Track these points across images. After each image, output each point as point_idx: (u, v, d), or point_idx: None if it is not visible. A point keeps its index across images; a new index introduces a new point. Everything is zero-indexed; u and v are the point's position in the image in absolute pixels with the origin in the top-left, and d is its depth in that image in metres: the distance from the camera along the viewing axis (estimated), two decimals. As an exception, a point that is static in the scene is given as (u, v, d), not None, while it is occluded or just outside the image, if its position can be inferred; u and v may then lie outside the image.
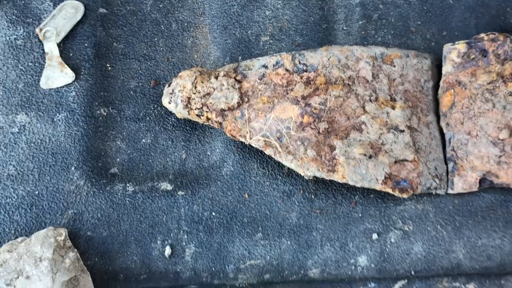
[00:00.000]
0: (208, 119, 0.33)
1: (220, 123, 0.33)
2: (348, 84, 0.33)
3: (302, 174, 0.32)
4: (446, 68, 0.33)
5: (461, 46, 0.33)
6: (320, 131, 0.32)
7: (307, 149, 0.32)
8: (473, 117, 0.31)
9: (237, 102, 0.33)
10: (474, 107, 0.31)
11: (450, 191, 0.33)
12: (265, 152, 0.32)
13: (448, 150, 0.33)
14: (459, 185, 0.32)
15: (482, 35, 0.33)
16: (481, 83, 0.31)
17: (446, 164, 0.33)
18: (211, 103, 0.33)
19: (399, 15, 0.39)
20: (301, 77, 0.33)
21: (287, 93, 0.33)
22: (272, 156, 0.32)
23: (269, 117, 0.33)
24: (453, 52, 0.33)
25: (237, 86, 0.33)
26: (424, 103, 0.35)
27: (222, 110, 0.33)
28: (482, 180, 0.31)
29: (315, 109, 0.32)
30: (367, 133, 0.32)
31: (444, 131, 0.33)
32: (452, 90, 0.32)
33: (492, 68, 0.31)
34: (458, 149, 0.32)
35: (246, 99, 0.33)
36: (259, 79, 0.33)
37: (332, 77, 0.33)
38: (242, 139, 0.33)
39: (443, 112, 0.34)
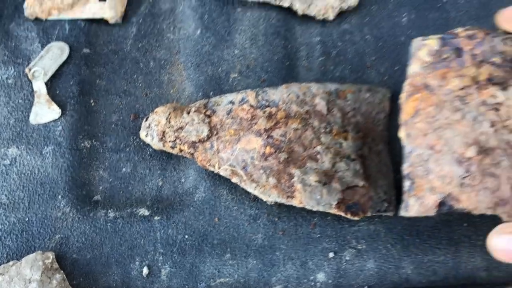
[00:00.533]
0: (181, 150, 0.37)
1: (192, 154, 0.37)
2: (306, 118, 0.37)
3: (265, 200, 0.36)
4: (413, 67, 0.28)
5: (432, 42, 0.28)
6: (281, 161, 0.36)
7: (269, 177, 0.35)
8: (438, 128, 0.27)
9: (207, 135, 0.37)
10: (441, 117, 0.26)
11: (405, 214, 0.30)
12: (232, 180, 0.36)
13: (405, 166, 0.30)
14: (415, 208, 0.29)
15: (459, 29, 0.28)
16: (452, 89, 0.26)
17: (401, 185, 0.33)
18: (183, 136, 0.37)
19: (356, 51, 0.43)
20: (264, 112, 0.37)
21: (252, 126, 0.37)
22: (238, 183, 0.36)
23: (235, 148, 0.36)
24: (423, 49, 0.28)
25: (207, 120, 0.37)
26: (375, 133, 0.39)
27: (194, 142, 0.37)
28: (441, 204, 0.27)
29: (276, 140, 0.36)
30: (322, 162, 0.36)
31: (404, 143, 0.31)
32: (418, 94, 0.28)
33: (466, 71, 0.26)
34: (417, 166, 0.28)
35: (215, 132, 0.37)
36: (226, 114, 0.37)
37: (291, 111, 0.37)
38: (212, 169, 0.36)
39: (405, 120, 0.31)
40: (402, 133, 0.31)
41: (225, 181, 0.39)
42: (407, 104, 0.29)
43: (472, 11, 0.43)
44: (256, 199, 0.38)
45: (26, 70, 0.42)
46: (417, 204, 0.29)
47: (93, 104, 0.42)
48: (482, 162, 0.25)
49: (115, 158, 0.41)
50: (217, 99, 0.38)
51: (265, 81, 0.42)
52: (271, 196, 0.35)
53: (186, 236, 0.38)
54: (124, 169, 0.41)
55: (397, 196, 0.37)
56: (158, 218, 0.38)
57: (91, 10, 0.43)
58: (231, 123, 0.37)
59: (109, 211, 0.39)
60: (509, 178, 0.25)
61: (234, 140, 0.36)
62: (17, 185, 0.39)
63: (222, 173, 0.36)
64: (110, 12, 0.43)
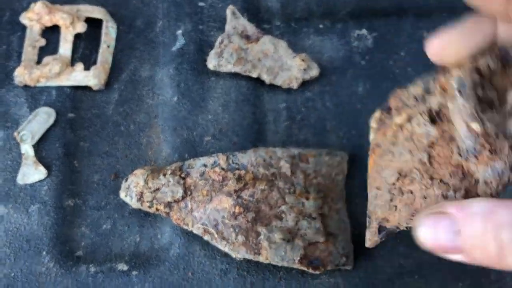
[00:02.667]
0: (157, 209, 0.40)
1: (168, 213, 0.40)
2: (272, 179, 0.41)
3: (234, 256, 0.39)
4: (370, 136, 0.33)
5: (377, 113, 0.33)
6: (249, 220, 0.39)
7: (238, 235, 0.39)
8: (381, 171, 0.31)
9: (182, 196, 0.40)
10: (382, 162, 0.31)
11: (367, 246, 0.33)
12: (204, 238, 0.40)
13: (368, 208, 0.34)
14: (367, 238, 0.32)
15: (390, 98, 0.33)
16: (388, 139, 0.31)
17: (358, 241, 0.40)
18: (160, 196, 0.40)
19: (318, 117, 0.47)
20: (234, 174, 0.41)
21: (223, 187, 0.40)
22: (209, 241, 0.39)
23: (208, 207, 0.40)
24: (372, 120, 0.33)
25: (181, 182, 0.41)
26: (334, 193, 0.43)
27: (169, 202, 0.40)
28: (379, 228, 0.31)
29: (245, 200, 0.40)
30: (286, 220, 0.40)
31: (368, 191, 0.35)
32: (373, 153, 0.32)
33: (393, 121, 0.31)
34: (370, 205, 0.33)
35: (189, 193, 0.41)
36: (200, 175, 0.41)
37: (259, 173, 0.41)
38: (186, 227, 0.40)
39: (368, 174, 0.35)
40: (368, 186, 0.34)
41: (199, 237, 0.42)
42: (369, 162, 0.34)
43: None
44: (227, 254, 0.42)
45: (15, 133, 0.45)
46: (369, 235, 0.33)
47: (76, 164, 0.45)
48: (402, 184, 0.30)
49: (96, 215, 0.44)
50: (191, 162, 0.42)
51: (236, 143, 0.46)
52: (240, 253, 0.39)
53: (162, 290, 0.41)
54: (104, 226, 0.44)
55: (355, 251, 0.41)
56: (136, 272, 0.42)
57: (76, 78, 0.47)
58: (204, 184, 0.41)
59: (90, 266, 0.42)
60: (421, 190, 0.29)
61: (206, 200, 0.40)
62: (3, 242, 0.42)
63: (195, 231, 0.40)
64: (94, 80, 0.47)
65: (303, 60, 0.46)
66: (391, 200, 0.30)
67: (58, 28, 0.49)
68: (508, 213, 0.20)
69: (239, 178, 0.41)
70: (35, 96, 0.47)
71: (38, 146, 0.45)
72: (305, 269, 0.39)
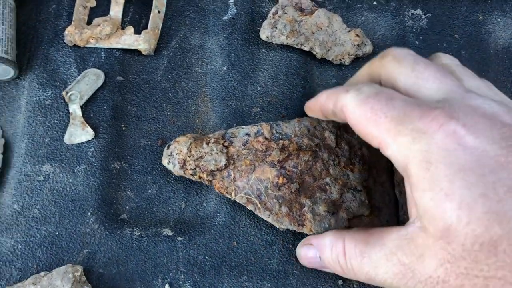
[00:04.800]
0: (200, 177, 0.40)
1: (210, 181, 0.40)
2: (316, 150, 0.40)
3: (278, 227, 0.39)
4: None
5: None
6: (292, 191, 0.39)
7: (281, 206, 0.39)
8: None
9: (224, 164, 0.40)
10: None
11: None
12: (248, 208, 0.39)
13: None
14: None
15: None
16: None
17: (398, 218, 0.40)
18: (202, 165, 0.40)
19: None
20: (277, 144, 0.40)
21: (266, 158, 0.40)
22: (253, 211, 0.39)
23: (251, 177, 0.39)
24: None
25: (224, 151, 0.40)
26: (379, 165, 0.42)
27: (212, 170, 0.40)
28: None
29: (288, 171, 0.39)
30: (331, 192, 0.39)
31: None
32: None
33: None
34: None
35: (232, 162, 0.40)
36: (243, 145, 0.40)
37: (303, 144, 0.40)
38: (229, 196, 0.40)
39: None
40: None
41: (244, 207, 0.42)
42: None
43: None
44: (272, 226, 0.41)
45: (63, 93, 0.45)
46: None
47: (124, 128, 0.45)
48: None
49: (142, 180, 0.44)
50: (234, 131, 0.41)
51: (285, 116, 0.45)
52: (283, 224, 0.38)
53: (207, 257, 0.41)
54: (150, 191, 0.43)
55: (397, 224, 0.41)
56: (181, 238, 0.41)
57: (126, 42, 0.47)
58: (247, 154, 0.40)
59: (135, 229, 0.42)
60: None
61: (249, 170, 0.40)
62: (49, 200, 0.42)
63: (238, 200, 0.39)
64: (144, 44, 0.46)
65: (357, 35, 0.45)
66: None
67: (109, -10, 0.48)
68: (343, 247, 0.33)
69: (282, 149, 0.40)
70: (84, 56, 0.46)
71: (85, 107, 0.45)
72: None
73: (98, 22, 0.47)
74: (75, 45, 0.47)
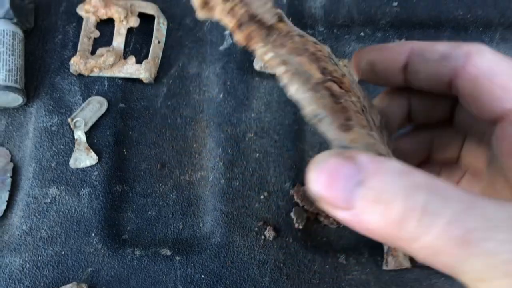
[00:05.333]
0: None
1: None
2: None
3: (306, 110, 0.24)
4: None
5: None
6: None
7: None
8: None
9: None
10: None
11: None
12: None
13: None
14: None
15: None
16: None
17: None
18: None
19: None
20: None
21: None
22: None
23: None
24: None
25: None
26: None
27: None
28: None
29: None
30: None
31: None
32: None
33: None
34: None
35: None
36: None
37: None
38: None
39: None
40: None
41: (238, 228, 0.45)
42: None
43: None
44: (265, 246, 0.44)
45: (69, 120, 0.48)
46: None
47: (125, 153, 0.48)
48: None
49: (142, 202, 0.47)
50: None
51: (277, 141, 0.48)
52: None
53: (203, 276, 0.44)
54: (149, 212, 0.46)
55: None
56: (179, 258, 0.44)
57: (128, 71, 0.50)
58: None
59: (136, 249, 0.44)
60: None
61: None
62: (55, 222, 0.45)
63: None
64: (145, 73, 0.49)
65: (345, 66, 0.48)
66: None
67: (112, 21, 0.51)
68: (425, 177, 0.17)
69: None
70: (88, 85, 0.49)
71: (90, 133, 0.48)
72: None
73: (101, 52, 0.50)
74: (80, 74, 0.50)
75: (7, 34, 0.47)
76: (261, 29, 0.23)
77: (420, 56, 0.25)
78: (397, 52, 0.26)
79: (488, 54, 0.23)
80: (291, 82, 0.22)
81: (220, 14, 0.23)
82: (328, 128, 0.22)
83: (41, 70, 0.50)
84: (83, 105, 0.48)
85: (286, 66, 0.23)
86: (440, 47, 0.25)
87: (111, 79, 0.50)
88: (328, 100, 0.22)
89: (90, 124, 0.48)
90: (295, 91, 0.22)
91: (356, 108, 0.24)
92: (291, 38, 0.23)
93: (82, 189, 0.46)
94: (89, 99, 0.49)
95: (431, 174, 0.17)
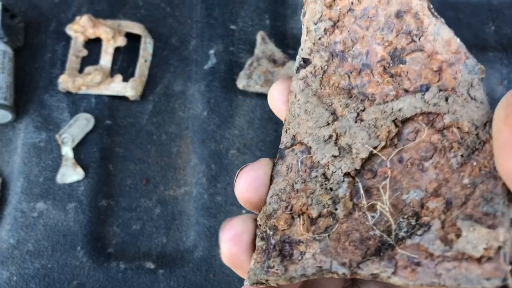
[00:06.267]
0: None
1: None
2: None
3: None
4: None
5: None
6: None
7: None
8: None
9: None
10: None
11: None
12: None
13: None
14: None
15: None
16: None
17: None
18: None
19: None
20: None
21: None
22: None
23: None
24: None
25: None
26: None
27: None
28: None
29: None
30: None
31: None
32: None
33: None
34: None
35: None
36: None
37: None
38: None
39: None
40: None
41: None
42: None
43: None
44: (245, 259, 0.46)
45: (57, 136, 0.49)
46: None
47: (111, 168, 0.49)
48: None
49: (127, 216, 0.48)
50: None
51: (259, 158, 0.50)
52: None
53: (185, 288, 0.45)
54: (134, 227, 0.48)
55: None
56: (162, 271, 0.46)
57: (115, 89, 0.51)
58: None
59: (120, 262, 0.46)
60: None
61: None
62: (42, 235, 0.46)
63: None
64: (131, 91, 0.51)
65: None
66: None
67: (100, 40, 0.53)
68: None
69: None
70: (76, 102, 0.51)
71: (77, 149, 0.49)
72: None
73: (89, 70, 0.51)
74: (68, 92, 0.51)
75: (-3, 52, 0.49)
76: None
77: None
78: None
79: None
80: None
81: None
82: None
83: (30, 87, 0.52)
84: (71, 121, 0.50)
85: None
86: None
87: (98, 97, 0.51)
88: None
89: (77, 141, 0.49)
90: None
91: None
92: None
93: (69, 204, 0.47)
94: (77, 116, 0.50)
95: None
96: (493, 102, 0.20)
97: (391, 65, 0.22)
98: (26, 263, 0.45)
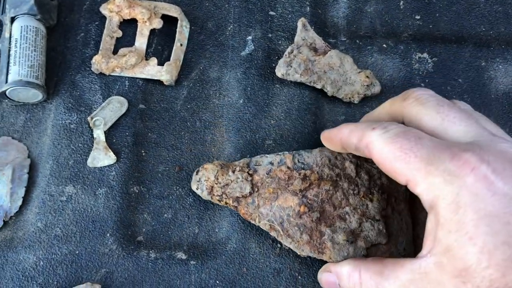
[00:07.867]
0: (226, 203, 0.42)
1: (236, 207, 0.42)
2: (336, 180, 0.42)
3: (299, 253, 0.41)
4: None
5: None
6: (313, 219, 0.41)
7: (302, 234, 0.41)
8: None
9: (249, 192, 0.42)
10: None
11: None
12: (271, 234, 0.41)
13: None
14: None
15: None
16: None
17: (415, 246, 0.41)
18: (229, 192, 0.42)
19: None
20: (299, 174, 0.42)
21: (288, 186, 0.42)
22: (276, 237, 0.41)
23: (274, 205, 0.42)
24: None
25: (249, 179, 0.42)
26: (397, 194, 0.44)
27: (237, 197, 0.42)
28: None
29: (310, 200, 0.41)
30: (350, 221, 0.41)
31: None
32: None
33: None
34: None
35: (256, 189, 0.42)
36: (266, 173, 0.43)
37: (324, 174, 0.42)
38: (253, 222, 0.42)
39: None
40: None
41: (255, 235, 0.45)
42: None
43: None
44: (280, 254, 0.44)
45: (88, 118, 0.47)
46: None
47: (143, 154, 0.48)
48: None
49: (158, 204, 0.46)
50: (258, 159, 0.43)
51: (296, 150, 0.48)
52: (304, 251, 0.41)
53: (217, 282, 0.43)
54: (165, 215, 0.46)
55: (414, 251, 0.43)
56: (194, 262, 0.44)
57: (149, 72, 0.49)
58: (270, 182, 0.42)
59: (151, 251, 0.44)
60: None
61: (272, 198, 0.42)
62: (71, 220, 0.45)
63: (262, 227, 0.42)
64: (166, 75, 0.49)
65: (367, 77, 0.48)
66: None
67: (135, 21, 0.51)
68: (361, 277, 0.34)
69: (304, 178, 0.42)
70: (109, 84, 0.49)
71: (109, 133, 0.48)
72: None
73: (124, 52, 0.50)
74: (101, 73, 0.49)
75: (30, 30, 0.47)
76: None
77: (346, 146, 0.37)
78: (335, 144, 0.40)
79: (378, 144, 0.31)
80: None
81: None
82: (312, 255, 0.42)
83: (62, 67, 0.50)
84: (103, 104, 0.48)
85: None
86: (354, 139, 0.34)
87: (132, 80, 0.50)
88: None
89: (109, 124, 0.48)
90: None
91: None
92: None
93: (99, 189, 0.46)
94: (110, 98, 0.48)
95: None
96: None
97: None
98: (53, 248, 0.44)
